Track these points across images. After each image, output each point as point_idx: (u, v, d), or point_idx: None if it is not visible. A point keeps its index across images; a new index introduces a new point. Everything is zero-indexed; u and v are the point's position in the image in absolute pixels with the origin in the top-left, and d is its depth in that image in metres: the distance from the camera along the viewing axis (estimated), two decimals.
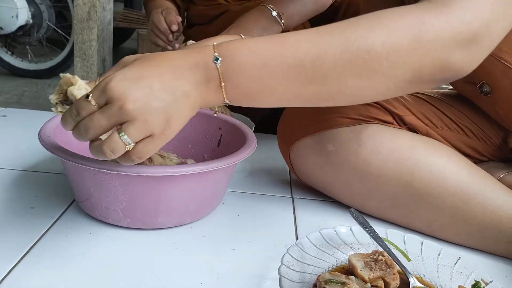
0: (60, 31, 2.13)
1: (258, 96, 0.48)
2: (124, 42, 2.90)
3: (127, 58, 0.48)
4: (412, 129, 0.71)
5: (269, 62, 0.46)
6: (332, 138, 0.70)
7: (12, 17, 1.95)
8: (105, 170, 0.54)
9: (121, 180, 0.57)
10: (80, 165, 0.54)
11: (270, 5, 0.86)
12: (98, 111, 0.44)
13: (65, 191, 0.71)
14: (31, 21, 2.03)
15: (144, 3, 1.18)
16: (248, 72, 0.46)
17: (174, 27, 0.98)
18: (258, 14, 0.85)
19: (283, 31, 0.89)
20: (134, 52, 2.57)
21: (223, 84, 0.46)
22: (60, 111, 0.49)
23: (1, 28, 1.98)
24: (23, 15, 1.99)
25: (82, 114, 0.45)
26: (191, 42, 0.87)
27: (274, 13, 0.85)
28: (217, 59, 0.46)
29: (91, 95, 0.44)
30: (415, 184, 0.65)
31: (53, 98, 0.49)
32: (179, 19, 0.99)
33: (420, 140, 0.68)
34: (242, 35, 0.81)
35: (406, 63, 0.46)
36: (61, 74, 0.49)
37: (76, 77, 0.48)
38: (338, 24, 0.47)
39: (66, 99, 0.49)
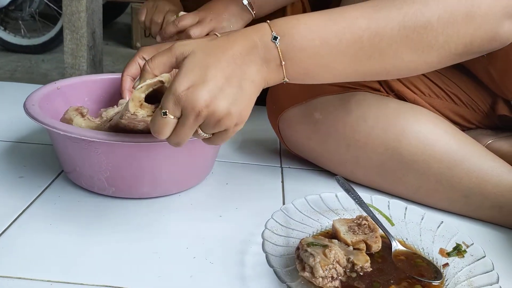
0: (52, 5, 2.10)
1: (317, 73, 0.48)
2: (118, 17, 2.85)
3: (180, 49, 0.46)
4: (400, 96, 0.70)
5: (328, 39, 0.46)
6: (320, 106, 0.70)
7: None
8: (87, 138, 0.54)
9: (104, 149, 0.57)
10: (61, 133, 0.54)
11: None
12: (179, 125, 0.45)
13: (53, 162, 0.72)
14: None
15: None
16: (308, 49, 0.46)
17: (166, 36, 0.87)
18: (228, 1, 0.83)
19: (253, 20, 0.87)
20: (128, 27, 2.54)
21: (283, 63, 0.46)
22: (149, 116, 0.48)
23: None
24: None
25: (166, 132, 0.45)
26: (182, 13, 0.85)
27: (245, 1, 0.83)
28: (275, 38, 0.45)
29: (167, 111, 0.44)
30: (402, 150, 0.65)
31: (142, 112, 0.48)
32: (176, 27, 0.85)
33: (407, 108, 0.68)
34: (220, 23, 0.80)
35: (460, 37, 0.47)
36: (159, 79, 0.47)
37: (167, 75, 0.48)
38: None
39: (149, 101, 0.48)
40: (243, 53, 0.45)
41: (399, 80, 0.70)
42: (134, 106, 0.47)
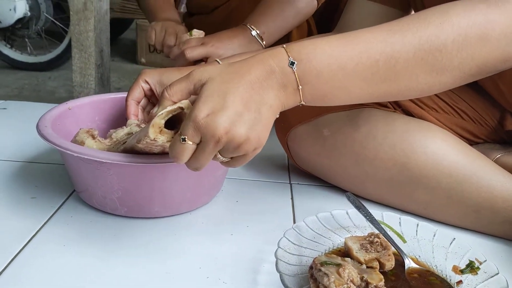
0: (58, 23, 2.12)
1: (333, 96, 0.48)
2: (123, 33, 2.88)
3: (198, 75, 0.47)
4: (407, 111, 0.71)
5: (345, 64, 0.46)
6: (328, 123, 0.70)
7: (10, 10, 1.95)
8: (101, 160, 0.55)
9: (115, 169, 0.57)
10: (75, 155, 0.55)
11: (250, 25, 0.86)
12: (198, 150, 0.46)
13: (65, 182, 0.72)
14: (29, 13, 2.03)
15: None
16: (324, 74, 0.46)
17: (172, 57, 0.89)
18: (237, 32, 0.85)
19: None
20: (133, 43, 2.56)
21: (300, 87, 0.46)
22: (169, 141, 0.49)
23: None
24: (21, 8, 1.98)
25: (184, 157, 0.46)
26: (196, 31, 0.87)
27: (254, 33, 0.85)
28: (293, 63, 0.46)
29: (186, 137, 0.45)
30: (410, 166, 0.66)
31: (162, 138, 0.49)
32: (180, 50, 0.85)
33: (414, 123, 0.68)
34: (219, 50, 0.81)
35: (474, 58, 0.47)
36: (179, 105, 0.48)
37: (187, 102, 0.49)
38: (408, 21, 0.47)
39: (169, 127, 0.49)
40: (261, 79, 0.45)
41: None
42: (154, 132, 0.48)
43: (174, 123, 0.51)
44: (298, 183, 0.79)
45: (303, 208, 0.71)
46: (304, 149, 0.74)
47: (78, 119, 0.73)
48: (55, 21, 2.11)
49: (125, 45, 2.79)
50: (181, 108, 0.49)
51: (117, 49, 2.59)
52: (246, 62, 0.47)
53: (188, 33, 0.85)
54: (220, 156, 0.47)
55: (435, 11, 0.48)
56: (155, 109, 0.50)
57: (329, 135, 0.70)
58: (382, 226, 0.58)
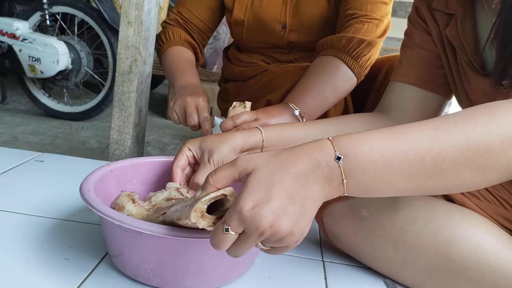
0: (96, 77, 2.22)
1: (377, 190, 0.48)
2: (155, 88, 2.99)
3: (244, 164, 0.47)
4: (448, 197, 0.70)
5: (391, 161, 0.47)
6: (367, 203, 0.70)
7: (53, 62, 2.05)
8: (138, 230, 0.55)
9: (153, 240, 0.57)
10: (116, 223, 0.55)
11: (292, 104, 0.90)
12: (241, 240, 0.46)
13: (98, 243, 0.72)
14: (70, 66, 2.13)
15: (158, 52, 1.14)
16: (370, 170, 0.47)
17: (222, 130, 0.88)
18: (282, 109, 0.89)
19: None
20: (164, 97, 2.64)
21: (345, 181, 0.47)
22: (210, 226, 0.50)
23: (42, 72, 2.07)
24: (64, 61, 2.08)
25: (225, 246, 0.47)
26: (248, 103, 0.89)
27: (296, 112, 0.89)
28: (339, 158, 0.46)
29: (229, 228, 0.45)
30: (453, 257, 0.63)
31: (204, 223, 0.49)
32: (234, 123, 0.85)
33: (456, 211, 0.67)
34: (267, 121, 0.84)
35: None
36: (222, 192, 0.48)
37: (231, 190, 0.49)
38: (455, 120, 0.48)
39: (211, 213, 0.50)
40: (307, 172, 0.46)
41: None
42: (196, 217, 0.48)
43: (215, 206, 0.51)
44: (331, 261, 0.77)
45: None
46: (339, 227, 0.73)
47: (118, 181, 0.74)
48: (94, 75, 2.21)
49: (157, 99, 2.87)
50: (224, 195, 0.49)
51: (150, 104, 2.67)
52: (291, 154, 0.47)
53: (242, 105, 0.87)
54: (261, 245, 0.47)
55: (482, 110, 0.49)
56: (198, 192, 0.51)
57: (368, 215, 0.69)
58: None
